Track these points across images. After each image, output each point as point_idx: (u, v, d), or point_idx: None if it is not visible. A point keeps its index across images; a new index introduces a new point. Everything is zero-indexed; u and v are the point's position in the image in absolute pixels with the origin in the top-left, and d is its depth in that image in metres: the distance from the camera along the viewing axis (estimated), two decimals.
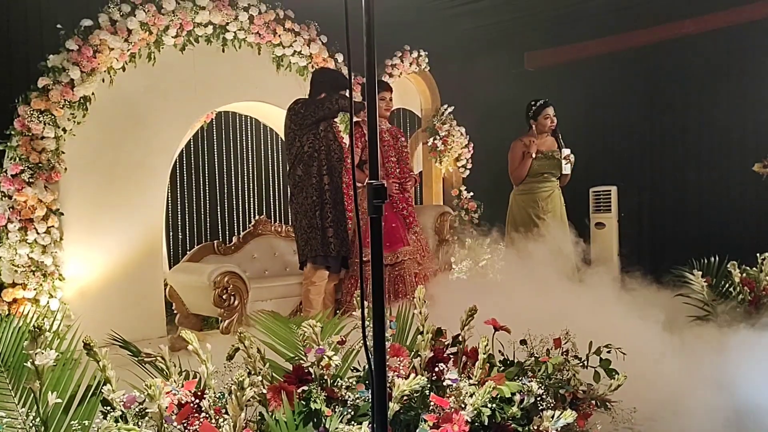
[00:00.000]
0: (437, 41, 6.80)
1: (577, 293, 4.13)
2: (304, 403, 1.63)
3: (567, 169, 4.80)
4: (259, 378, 1.66)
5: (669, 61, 7.17)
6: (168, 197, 5.36)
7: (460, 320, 2.09)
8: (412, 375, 1.66)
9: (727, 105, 6.90)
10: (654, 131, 7.40)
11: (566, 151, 4.81)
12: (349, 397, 1.72)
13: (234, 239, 4.78)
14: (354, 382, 1.79)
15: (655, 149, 7.39)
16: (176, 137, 5.09)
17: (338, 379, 1.85)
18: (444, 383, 1.78)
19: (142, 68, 4.80)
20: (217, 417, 1.46)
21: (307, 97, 4.35)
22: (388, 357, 1.85)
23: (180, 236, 5.41)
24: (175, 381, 1.59)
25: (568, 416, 1.84)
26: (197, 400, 1.47)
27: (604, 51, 7.52)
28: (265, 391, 1.65)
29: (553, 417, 1.84)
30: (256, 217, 5.15)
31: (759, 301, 3.55)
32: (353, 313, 1.98)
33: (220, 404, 1.52)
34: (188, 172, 5.54)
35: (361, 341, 1.89)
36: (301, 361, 1.85)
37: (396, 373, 1.76)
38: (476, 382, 1.84)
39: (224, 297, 3.92)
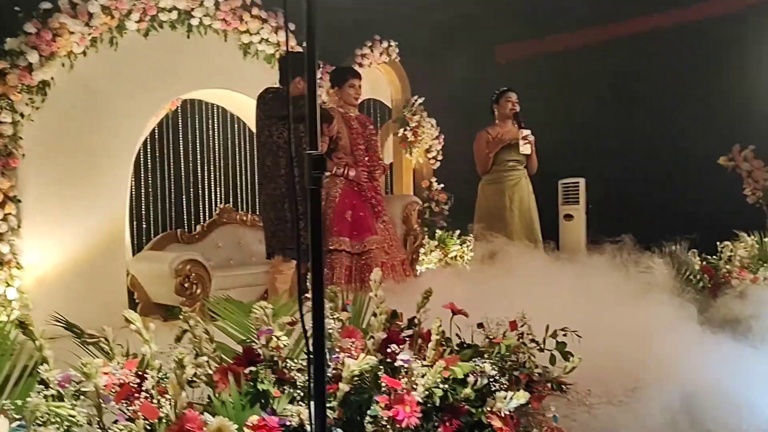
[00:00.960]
0: (408, 32, 6.77)
1: (543, 281, 4.16)
2: (251, 384, 1.60)
3: (527, 149, 4.78)
4: (205, 358, 1.62)
5: (639, 54, 7.25)
6: (132, 186, 5.27)
7: (416, 303, 2.07)
8: (362, 355, 1.65)
9: (695, 99, 7.00)
10: (623, 124, 7.48)
11: (525, 132, 4.79)
12: (299, 378, 1.70)
13: (198, 228, 4.71)
14: (305, 364, 1.76)
15: (624, 142, 7.46)
16: (140, 124, 5.00)
17: (289, 361, 1.82)
18: (396, 364, 1.77)
19: (104, 53, 4.71)
20: (160, 397, 1.42)
21: (277, 84, 4.28)
22: (339, 338, 1.83)
23: (144, 225, 5.31)
24: (118, 362, 1.56)
25: (521, 397, 1.84)
26: (138, 381, 1.44)
27: (575, 45, 7.59)
28: (212, 372, 1.61)
29: (506, 398, 1.84)
30: (221, 205, 5.08)
31: (718, 289, 3.60)
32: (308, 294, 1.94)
33: (164, 385, 1.48)
34: (153, 160, 5.44)
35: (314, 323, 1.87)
36: (253, 343, 1.82)
37: (347, 354, 1.74)
38: (429, 364, 1.83)
39: (186, 285, 3.86)
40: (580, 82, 7.59)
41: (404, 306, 2.31)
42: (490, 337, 2.09)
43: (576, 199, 7.30)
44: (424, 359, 1.90)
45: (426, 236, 6.99)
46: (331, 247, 4.25)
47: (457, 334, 2.27)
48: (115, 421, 1.27)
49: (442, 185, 7.37)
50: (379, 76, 6.98)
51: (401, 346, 1.85)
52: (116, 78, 4.77)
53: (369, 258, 4.28)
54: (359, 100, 4.56)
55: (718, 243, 3.96)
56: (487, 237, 4.90)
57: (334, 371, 1.71)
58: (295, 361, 1.78)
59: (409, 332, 2.06)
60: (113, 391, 1.40)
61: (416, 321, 2.06)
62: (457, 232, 7.16)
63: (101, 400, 1.34)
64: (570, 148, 7.51)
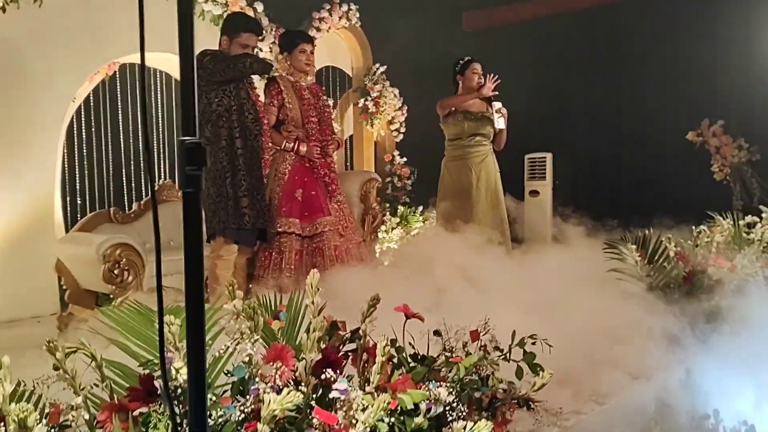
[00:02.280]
0: None
1: (508, 265, 3.90)
2: (144, 429, 1.27)
3: (501, 123, 4.46)
4: (80, 400, 1.28)
5: (607, 26, 6.98)
6: (64, 158, 4.81)
7: (360, 311, 1.75)
8: (285, 390, 1.32)
9: (663, 73, 6.79)
10: (590, 98, 7.24)
11: (497, 104, 4.46)
12: (211, 415, 1.37)
13: (134, 206, 4.30)
14: (220, 395, 1.44)
15: (592, 116, 7.24)
16: (70, 90, 4.52)
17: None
18: (331, 395, 1.45)
19: (27, 10, 4.20)
20: None
21: (217, 48, 3.87)
22: (262, 362, 1.49)
23: (79, 201, 4.87)
24: None
25: (483, 428, 1.55)
26: None
27: (543, 13, 7.27)
28: (94, 414, 1.28)
29: (465, 429, 1.54)
30: (161, 181, 4.66)
31: (693, 277, 3.36)
32: (234, 300, 1.60)
33: None
34: (88, 130, 4.97)
35: (238, 338, 1.53)
36: (154, 369, 1.48)
37: (270, 384, 1.41)
38: (373, 390, 1.52)
39: (116, 272, 3.47)
40: (549, 53, 7.30)
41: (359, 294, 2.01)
42: (447, 354, 1.77)
43: (543, 175, 7.06)
44: (368, 382, 1.58)
45: (388, 212, 6.68)
46: (279, 229, 3.90)
47: (410, 343, 1.97)
48: None
49: (405, 159, 7.03)
50: (338, 42, 6.56)
51: (339, 370, 1.53)
52: (41, 38, 4.29)
53: (321, 241, 3.94)
54: (311, 68, 4.16)
55: (693, 228, 3.72)
56: (449, 216, 4.61)
57: (253, 407, 1.38)
58: (213, 391, 1.44)
59: (353, 346, 1.75)
60: None
61: (361, 333, 1.74)
62: (420, 208, 6.86)
63: None
64: (538, 121, 7.24)
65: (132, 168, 5.14)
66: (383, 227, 6.45)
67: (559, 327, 2.77)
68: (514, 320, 2.11)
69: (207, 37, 4.84)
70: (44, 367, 1.46)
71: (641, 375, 2.68)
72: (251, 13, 5.11)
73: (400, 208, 6.85)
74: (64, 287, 4.03)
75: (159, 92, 5.38)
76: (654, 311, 3.11)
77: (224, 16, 4.99)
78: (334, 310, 1.86)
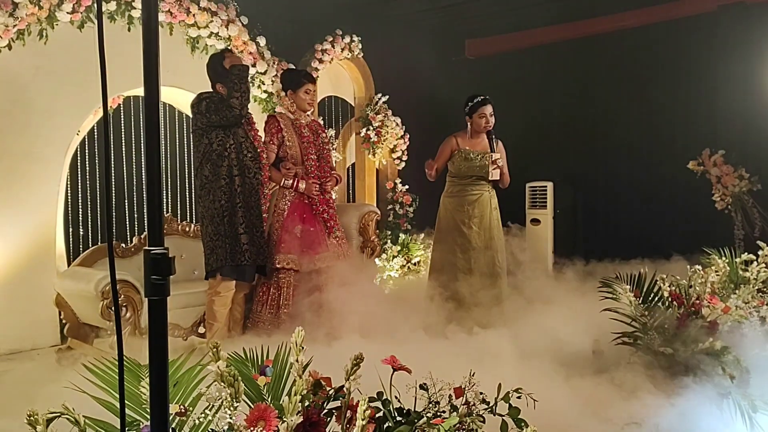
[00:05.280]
0: (371, 26, 6.44)
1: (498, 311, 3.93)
2: None
3: (495, 174, 4.48)
4: None
5: (608, 54, 7.04)
6: (68, 190, 4.88)
7: (344, 370, 1.77)
8: None
9: (664, 102, 6.82)
10: (592, 127, 7.27)
11: (495, 156, 4.47)
12: None
13: (134, 240, 4.35)
14: None
15: (593, 145, 7.26)
16: (73, 125, 4.59)
17: None
18: None
19: (33, 47, 4.29)
20: None
21: (211, 91, 3.94)
22: (244, 421, 1.52)
23: (82, 232, 4.92)
24: None
25: None
26: None
27: (546, 41, 7.34)
28: None
29: None
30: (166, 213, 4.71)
31: (687, 318, 3.36)
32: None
33: None
34: (92, 162, 5.04)
35: (217, 406, 1.56)
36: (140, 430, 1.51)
37: None
38: None
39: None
40: (551, 81, 7.36)
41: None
42: (429, 414, 1.79)
43: (544, 204, 7.08)
44: None
45: (389, 240, 6.70)
46: (278, 265, 3.94)
47: (396, 397, 1.99)
48: None
49: (407, 186, 7.07)
50: (341, 72, 6.63)
51: (324, 429, 1.56)
52: (46, 74, 4.37)
53: (319, 277, 3.97)
54: (312, 106, 4.23)
55: (688, 267, 3.71)
56: (444, 255, 4.62)
57: None
58: None
59: (336, 404, 1.77)
60: None
61: (345, 390, 1.76)
62: (422, 236, 6.88)
63: None
64: (539, 149, 7.28)
65: (134, 200, 5.20)
66: (384, 255, 6.48)
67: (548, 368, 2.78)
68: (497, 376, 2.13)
69: None
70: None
71: (631, 420, 2.68)
72: (253, 48, 5.19)
73: (401, 236, 6.87)
74: (64, 321, 4.06)
75: (163, 124, 5.44)
76: (646, 353, 3.13)
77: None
78: None
